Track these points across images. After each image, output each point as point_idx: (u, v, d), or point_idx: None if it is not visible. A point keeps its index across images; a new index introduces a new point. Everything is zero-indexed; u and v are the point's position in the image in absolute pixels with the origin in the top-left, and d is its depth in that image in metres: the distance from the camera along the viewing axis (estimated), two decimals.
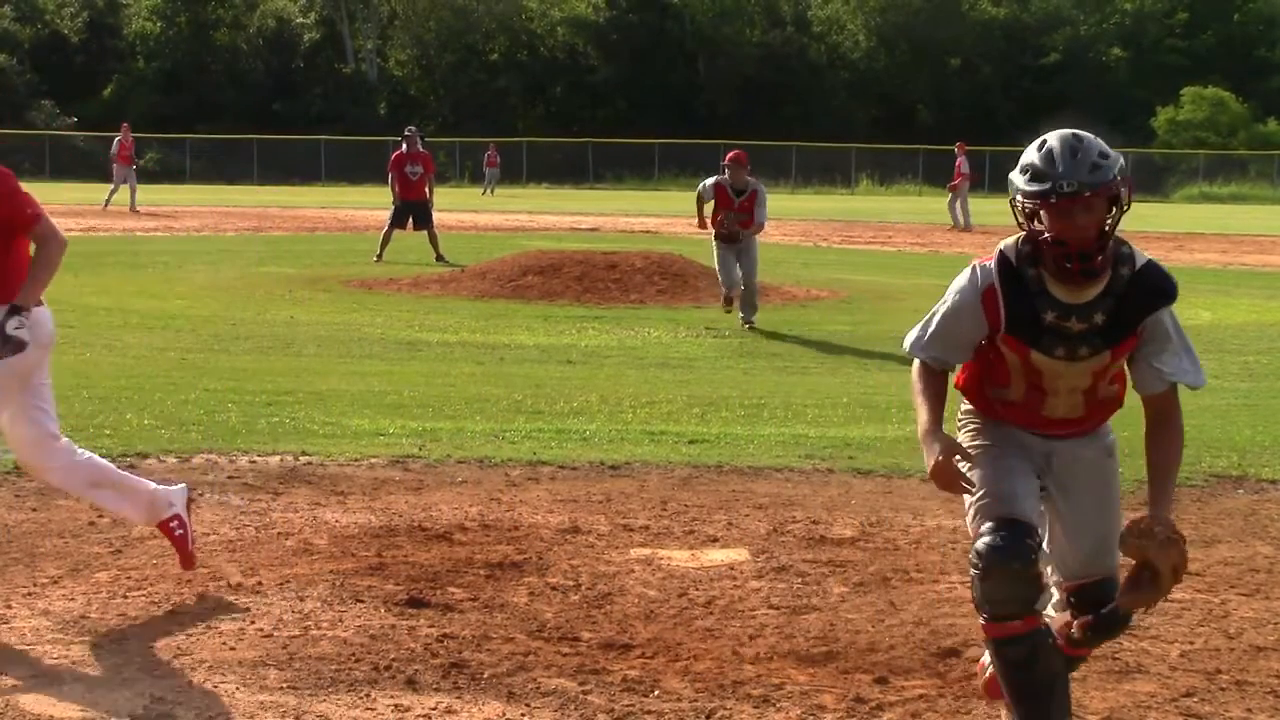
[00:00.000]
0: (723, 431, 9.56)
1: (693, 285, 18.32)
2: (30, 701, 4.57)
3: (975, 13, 77.34)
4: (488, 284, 18.51)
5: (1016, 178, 3.93)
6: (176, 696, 4.63)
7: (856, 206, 48.90)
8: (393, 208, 23.73)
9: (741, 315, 15.40)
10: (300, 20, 77.96)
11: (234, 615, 5.46)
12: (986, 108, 72.91)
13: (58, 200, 40.87)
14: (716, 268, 15.47)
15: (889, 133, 68.53)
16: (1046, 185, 3.84)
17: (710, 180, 15.58)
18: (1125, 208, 3.90)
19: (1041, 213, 3.89)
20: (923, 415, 4.11)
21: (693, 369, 12.71)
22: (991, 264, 4.06)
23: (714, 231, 15.38)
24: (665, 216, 37.77)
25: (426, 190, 23.62)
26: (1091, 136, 3.93)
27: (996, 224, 36.61)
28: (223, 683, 4.76)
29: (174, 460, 8.29)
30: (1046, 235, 3.89)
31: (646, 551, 6.52)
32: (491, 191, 54.82)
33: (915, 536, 6.90)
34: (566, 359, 13.10)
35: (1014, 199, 3.94)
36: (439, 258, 22.49)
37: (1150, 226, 38.33)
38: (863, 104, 75.19)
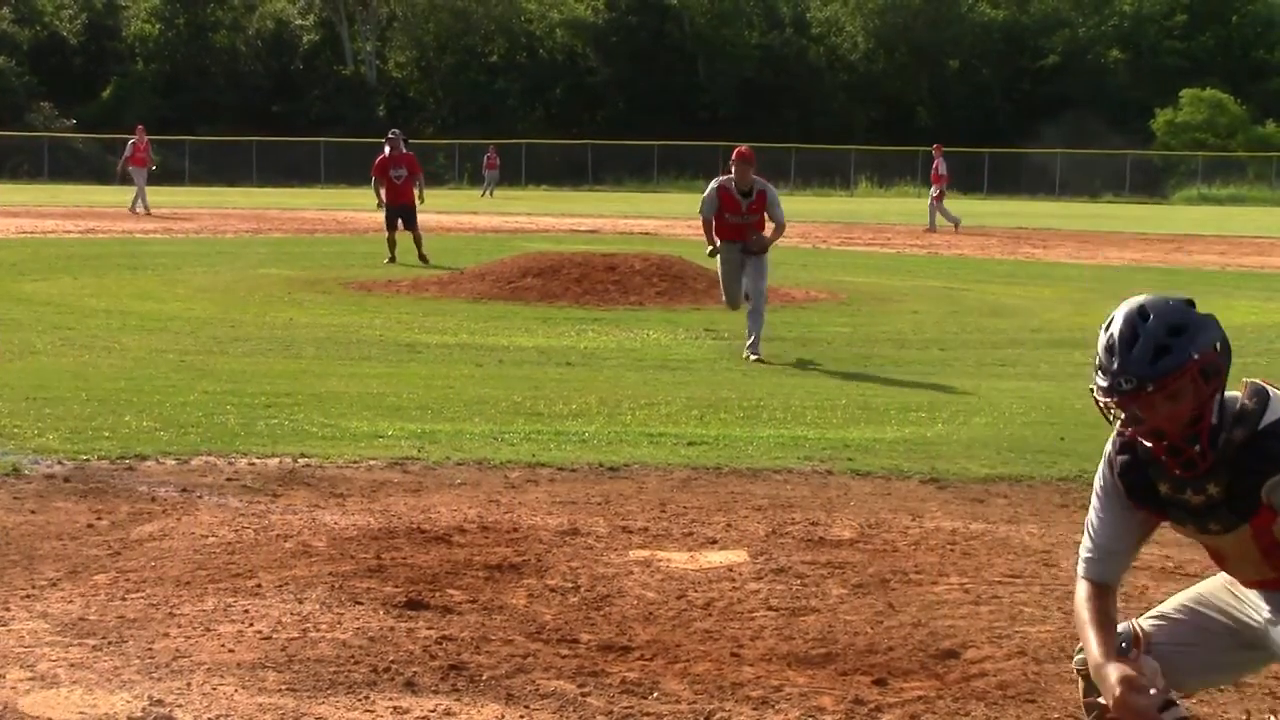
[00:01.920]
0: (721, 433, 9.56)
1: (692, 287, 18.31)
2: (29, 703, 4.57)
3: (974, 15, 77.38)
4: (486, 286, 18.52)
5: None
6: (175, 699, 4.62)
7: (855, 208, 48.92)
8: (384, 212, 23.78)
9: (748, 346, 13.35)
10: (299, 22, 78.02)
11: (233, 617, 5.45)
12: (986, 109, 72.96)
13: (56, 202, 40.91)
14: (720, 287, 14.05)
15: (888, 134, 68.58)
16: (1107, 382, 3.39)
17: (712, 186, 13.60)
18: (1214, 380, 3.37)
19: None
20: (1091, 645, 3.58)
21: (692, 371, 12.71)
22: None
23: (713, 249, 13.67)
24: (664, 218, 37.76)
25: (414, 192, 23.65)
26: (1164, 306, 3.40)
27: (994, 225, 36.69)
28: (221, 685, 4.75)
29: (173, 462, 8.29)
30: (1132, 432, 3.47)
31: (645, 553, 6.52)
32: (491, 193, 54.83)
33: (914, 538, 6.89)
34: (565, 361, 13.10)
35: (1091, 390, 3.48)
36: (421, 258, 22.57)
37: (1149, 228, 38.37)
38: (862, 106, 75.22)
